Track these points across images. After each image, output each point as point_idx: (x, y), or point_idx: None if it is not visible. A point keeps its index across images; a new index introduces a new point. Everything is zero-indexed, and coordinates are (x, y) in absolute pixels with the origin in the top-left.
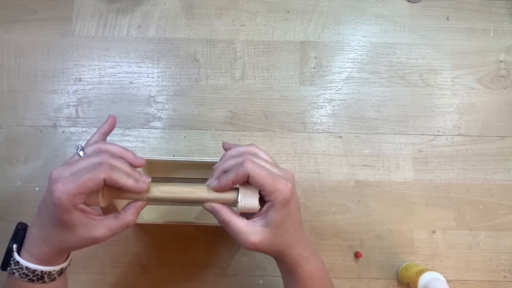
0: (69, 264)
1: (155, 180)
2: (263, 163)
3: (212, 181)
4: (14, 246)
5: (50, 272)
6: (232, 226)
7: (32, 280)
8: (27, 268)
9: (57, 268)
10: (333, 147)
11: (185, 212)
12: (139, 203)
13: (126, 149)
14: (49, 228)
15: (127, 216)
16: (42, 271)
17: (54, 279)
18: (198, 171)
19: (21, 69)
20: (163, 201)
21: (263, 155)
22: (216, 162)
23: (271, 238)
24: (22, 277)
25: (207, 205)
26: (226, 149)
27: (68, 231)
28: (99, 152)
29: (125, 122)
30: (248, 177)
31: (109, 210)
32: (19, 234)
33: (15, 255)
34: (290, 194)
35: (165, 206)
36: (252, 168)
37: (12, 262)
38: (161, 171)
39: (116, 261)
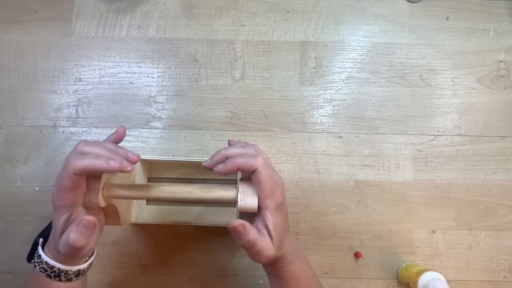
0: (88, 268)
1: (155, 180)
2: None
3: (209, 162)
4: (41, 240)
5: (66, 271)
6: (258, 245)
7: (49, 276)
8: (46, 263)
9: (73, 268)
10: (333, 147)
11: (185, 212)
12: (84, 221)
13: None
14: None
15: (69, 233)
16: (59, 269)
17: (70, 279)
18: (198, 171)
19: (21, 69)
20: (163, 201)
21: (265, 157)
22: None
23: (277, 247)
24: (41, 271)
25: (236, 223)
26: (231, 145)
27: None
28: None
29: (125, 122)
30: (254, 171)
31: (109, 210)
32: (48, 230)
33: (39, 248)
34: (283, 201)
35: (165, 206)
36: (262, 165)
37: (35, 255)
38: (161, 171)
39: (116, 261)
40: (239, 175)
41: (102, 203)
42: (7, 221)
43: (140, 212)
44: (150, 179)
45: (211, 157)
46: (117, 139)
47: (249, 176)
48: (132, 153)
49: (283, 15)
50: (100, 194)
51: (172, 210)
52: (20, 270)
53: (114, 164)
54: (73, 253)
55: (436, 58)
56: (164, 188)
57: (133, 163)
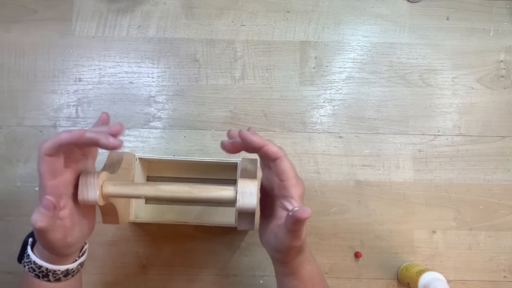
0: (78, 269)
1: (154, 179)
2: None
3: (228, 141)
4: (30, 239)
5: (54, 271)
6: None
7: (38, 276)
8: (34, 263)
9: (61, 268)
10: (333, 147)
11: (184, 211)
12: (44, 200)
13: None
14: None
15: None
16: (47, 269)
17: (59, 279)
18: (197, 171)
19: (21, 69)
20: (162, 199)
21: None
22: (216, 161)
23: (304, 236)
24: (30, 271)
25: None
26: (233, 136)
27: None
28: None
29: (125, 122)
30: (277, 159)
31: (108, 209)
32: None
33: (28, 248)
34: (304, 192)
35: (164, 205)
36: (285, 155)
37: (25, 255)
38: (160, 170)
39: (116, 261)
40: (239, 174)
41: (101, 202)
42: (7, 221)
43: (139, 211)
44: (149, 178)
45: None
46: (101, 125)
47: (248, 176)
48: (114, 125)
49: (283, 15)
50: (98, 192)
51: (171, 210)
52: (20, 270)
53: (75, 132)
54: (42, 240)
55: (436, 58)
56: (162, 187)
57: (117, 133)
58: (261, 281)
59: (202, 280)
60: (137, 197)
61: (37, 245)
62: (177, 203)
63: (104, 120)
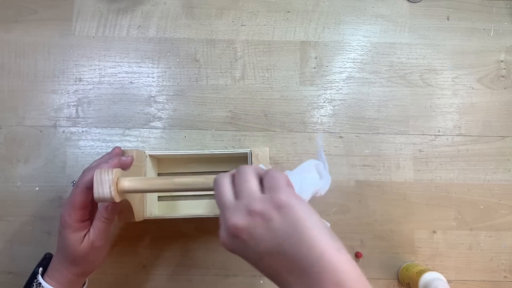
0: None
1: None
2: None
3: None
4: (40, 269)
5: None
6: None
7: None
8: None
9: None
10: (334, 147)
11: (195, 206)
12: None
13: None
14: (64, 252)
15: (102, 213)
16: None
17: None
18: (207, 165)
19: (21, 69)
20: (179, 191)
21: None
22: (227, 153)
23: None
24: None
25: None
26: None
27: (74, 247)
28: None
29: (125, 122)
30: None
31: (123, 206)
32: (45, 261)
33: (39, 277)
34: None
35: (177, 202)
36: None
37: (34, 284)
38: (170, 167)
39: (116, 261)
40: (250, 162)
41: (117, 198)
42: (7, 221)
43: (152, 208)
44: (160, 175)
45: None
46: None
47: (260, 162)
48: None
49: (283, 15)
50: (113, 188)
51: (183, 206)
52: (20, 270)
53: (124, 160)
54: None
55: (437, 58)
56: (177, 180)
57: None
58: (261, 281)
59: (202, 280)
60: (154, 191)
61: (49, 274)
62: (189, 198)
63: (117, 154)
